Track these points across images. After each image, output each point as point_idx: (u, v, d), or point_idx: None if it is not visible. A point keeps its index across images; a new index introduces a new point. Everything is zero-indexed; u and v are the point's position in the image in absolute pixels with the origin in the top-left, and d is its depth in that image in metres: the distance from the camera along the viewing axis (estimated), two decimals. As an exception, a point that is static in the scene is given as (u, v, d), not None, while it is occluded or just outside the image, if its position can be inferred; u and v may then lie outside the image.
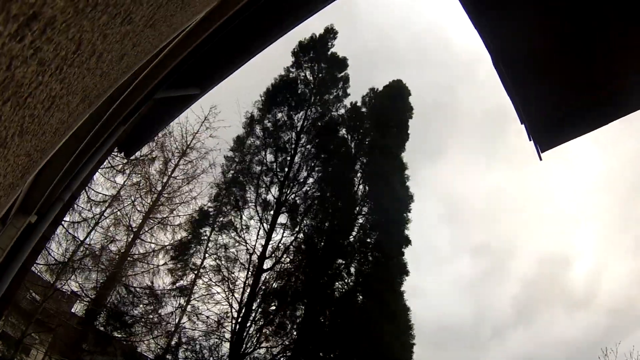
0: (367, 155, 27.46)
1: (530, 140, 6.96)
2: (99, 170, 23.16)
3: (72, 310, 26.75)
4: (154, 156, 28.87)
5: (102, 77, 2.27)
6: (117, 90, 3.93)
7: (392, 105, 28.92)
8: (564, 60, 6.18)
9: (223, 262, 25.36)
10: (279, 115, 28.48)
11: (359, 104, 30.11)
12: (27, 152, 1.95)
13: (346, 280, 24.30)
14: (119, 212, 27.50)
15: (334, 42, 30.48)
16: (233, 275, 24.90)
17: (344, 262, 24.67)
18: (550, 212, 76.76)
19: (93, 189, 25.73)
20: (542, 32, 5.96)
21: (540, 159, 7.15)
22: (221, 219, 26.52)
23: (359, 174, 27.18)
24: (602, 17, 5.51)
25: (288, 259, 25.11)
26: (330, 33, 30.52)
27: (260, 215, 25.98)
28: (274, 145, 27.62)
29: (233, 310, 23.87)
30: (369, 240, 25.35)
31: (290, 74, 29.49)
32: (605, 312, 57.90)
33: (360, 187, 26.90)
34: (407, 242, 25.32)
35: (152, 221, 28.75)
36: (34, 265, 19.46)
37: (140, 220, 28.35)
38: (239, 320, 23.24)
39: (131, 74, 3.54)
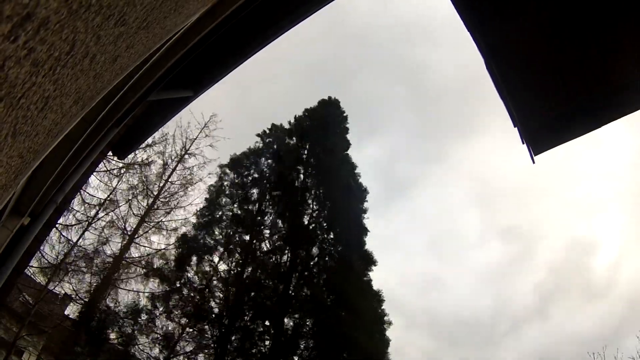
0: (315, 158, 29.72)
1: (523, 143, 6.98)
2: (95, 173, 23.16)
3: (66, 312, 26.73)
4: (150, 160, 28.89)
5: (96, 78, 2.27)
6: (111, 92, 3.93)
7: (328, 113, 31.61)
8: (557, 62, 6.19)
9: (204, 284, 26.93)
10: (245, 175, 30.65)
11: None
12: (20, 153, 1.95)
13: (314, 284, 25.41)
14: (114, 215, 27.51)
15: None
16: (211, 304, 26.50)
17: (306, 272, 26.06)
18: (583, 195, 75.34)
19: (88, 192, 25.70)
20: (536, 33, 5.98)
21: (534, 162, 7.17)
22: (195, 260, 27.65)
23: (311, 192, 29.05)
24: (596, 18, 5.53)
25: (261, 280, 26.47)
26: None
27: (230, 258, 27.75)
28: (243, 199, 29.68)
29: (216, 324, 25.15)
30: (331, 236, 27.03)
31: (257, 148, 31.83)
32: (623, 303, 56.85)
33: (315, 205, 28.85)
34: (365, 231, 27.37)
35: (147, 225, 28.73)
36: (27, 267, 19.42)
37: (136, 224, 28.35)
38: (223, 329, 24.50)
39: (124, 76, 3.54)
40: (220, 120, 31.60)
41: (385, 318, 25.66)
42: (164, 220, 29.24)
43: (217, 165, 30.92)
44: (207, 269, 27.12)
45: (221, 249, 27.66)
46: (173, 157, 30.56)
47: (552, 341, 52.87)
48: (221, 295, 26.20)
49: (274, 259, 26.67)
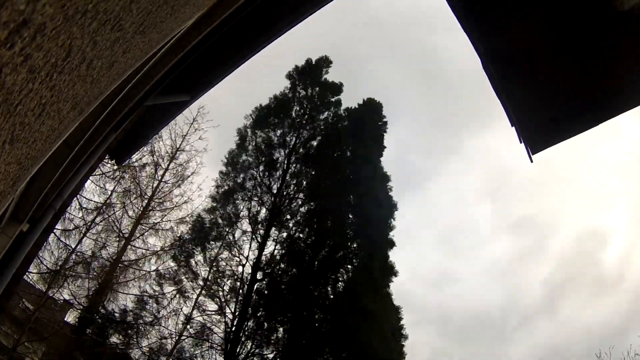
0: (348, 165, 29.04)
1: (520, 142, 6.99)
2: (90, 176, 23.11)
3: (65, 318, 26.67)
4: (144, 162, 28.71)
5: (93, 84, 2.27)
6: (108, 97, 3.93)
7: (368, 119, 31.08)
8: (555, 61, 6.20)
9: (217, 274, 26.31)
10: (271, 134, 29.90)
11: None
12: (18, 160, 1.95)
13: (336, 285, 25.32)
14: (110, 219, 27.36)
15: (328, 70, 32.27)
16: (226, 286, 25.86)
17: (331, 269, 25.63)
18: (596, 187, 74.11)
19: (84, 196, 25.64)
20: (533, 33, 5.99)
21: (532, 161, 7.17)
22: (214, 233, 27.24)
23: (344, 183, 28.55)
24: (594, 17, 5.53)
25: (278, 269, 26.07)
26: (324, 62, 32.35)
27: (252, 229, 26.95)
28: (266, 162, 28.84)
29: (227, 318, 24.58)
30: (354, 245, 26.47)
31: (286, 97, 30.97)
32: (634, 297, 55.96)
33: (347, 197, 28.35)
34: (391, 244, 26.77)
35: (143, 227, 28.62)
36: (27, 273, 19.40)
37: (131, 226, 28.20)
38: (233, 329, 23.98)
39: (121, 81, 3.54)
40: (207, 112, 31.25)
41: (403, 332, 25.64)
42: (159, 221, 29.06)
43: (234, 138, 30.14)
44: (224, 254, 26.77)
45: (244, 225, 27.11)
46: (164, 157, 30.26)
47: (562, 336, 52.38)
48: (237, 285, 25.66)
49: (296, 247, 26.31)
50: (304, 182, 28.49)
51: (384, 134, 31.49)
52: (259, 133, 29.65)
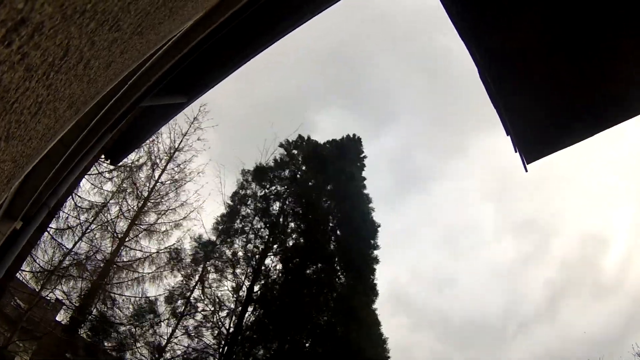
0: (333, 182, 30.39)
1: (516, 152, 6.98)
2: (86, 175, 23.04)
3: (57, 318, 26.57)
4: (141, 163, 28.42)
5: (89, 83, 2.28)
6: (104, 97, 3.93)
7: (349, 146, 32.85)
8: (553, 68, 6.18)
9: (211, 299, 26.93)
10: (266, 191, 31.06)
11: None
12: (13, 157, 1.95)
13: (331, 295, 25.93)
14: (104, 219, 27.15)
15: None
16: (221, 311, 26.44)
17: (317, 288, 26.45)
18: (602, 187, 73.83)
19: (79, 196, 25.52)
20: (531, 41, 5.98)
21: (526, 171, 7.17)
22: (212, 270, 27.87)
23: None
24: (594, 23, 5.53)
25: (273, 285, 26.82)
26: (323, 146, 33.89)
27: (248, 266, 27.86)
28: (262, 213, 29.85)
29: (221, 338, 25.20)
30: (340, 264, 27.41)
31: (280, 160, 32.15)
32: (633, 302, 55.57)
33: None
34: (375, 261, 27.82)
35: (138, 228, 28.34)
36: (19, 272, 19.33)
37: (126, 227, 27.94)
38: (228, 339, 24.62)
39: (118, 81, 3.55)
40: (208, 111, 31.17)
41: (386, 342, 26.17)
42: (154, 223, 28.78)
43: (240, 170, 31.12)
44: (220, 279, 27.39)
45: (240, 261, 27.77)
46: (162, 156, 29.93)
47: (562, 341, 52.31)
48: (232, 307, 26.15)
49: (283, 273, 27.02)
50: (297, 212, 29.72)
51: (364, 168, 32.59)
52: (256, 187, 30.73)
